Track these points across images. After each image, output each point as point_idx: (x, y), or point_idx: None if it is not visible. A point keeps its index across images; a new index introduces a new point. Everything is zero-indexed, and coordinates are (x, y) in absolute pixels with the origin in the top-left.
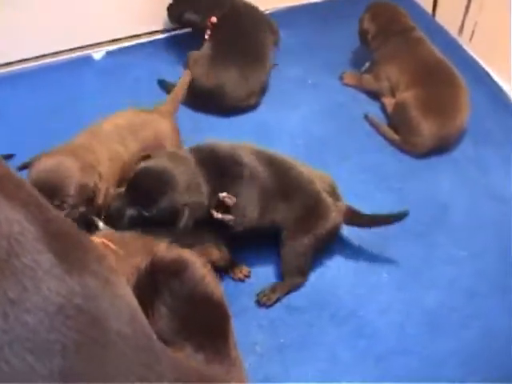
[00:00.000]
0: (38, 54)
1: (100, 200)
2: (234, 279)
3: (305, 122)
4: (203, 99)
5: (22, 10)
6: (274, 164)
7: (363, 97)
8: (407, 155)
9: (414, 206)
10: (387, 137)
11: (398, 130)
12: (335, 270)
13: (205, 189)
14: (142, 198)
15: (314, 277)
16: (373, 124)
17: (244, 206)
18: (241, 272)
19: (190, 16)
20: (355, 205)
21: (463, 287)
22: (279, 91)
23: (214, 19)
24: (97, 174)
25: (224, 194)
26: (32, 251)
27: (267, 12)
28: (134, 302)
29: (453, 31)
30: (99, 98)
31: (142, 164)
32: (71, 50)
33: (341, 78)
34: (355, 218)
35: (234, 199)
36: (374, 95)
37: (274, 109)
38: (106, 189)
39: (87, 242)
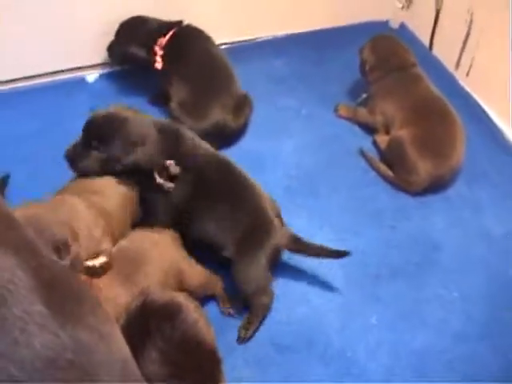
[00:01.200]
0: (30, 75)
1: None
2: (223, 313)
3: (298, 153)
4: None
5: (16, 30)
6: (230, 171)
7: (357, 129)
8: (400, 191)
9: (405, 245)
10: (381, 173)
11: (393, 167)
12: (324, 308)
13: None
14: (98, 137)
15: (302, 315)
16: (367, 159)
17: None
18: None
19: (135, 51)
20: (345, 239)
21: (452, 329)
22: (273, 121)
23: (160, 52)
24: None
25: (171, 161)
26: (24, 302)
27: (261, 40)
28: (126, 350)
29: (449, 66)
30: None
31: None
32: (64, 71)
33: (335, 110)
34: (299, 245)
35: (178, 169)
36: (368, 128)
37: (267, 138)
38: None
39: (82, 289)
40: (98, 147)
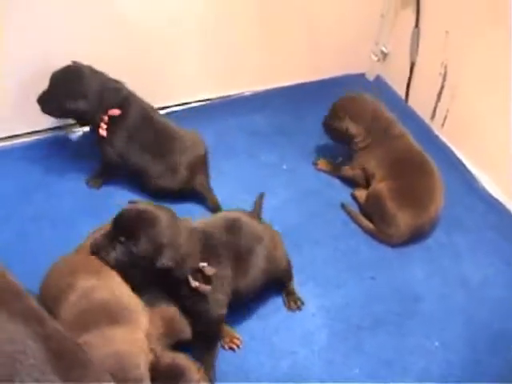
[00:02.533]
0: (12, 134)
1: None
2: (223, 348)
3: (281, 208)
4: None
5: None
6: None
7: (336, 183)
8: (381, 243)
9: (386, 296)
10: (363, 226)
11: (373, 220)
12: (307, 360)
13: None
14: (126, 233)
15: (287, 368)
16: (349, 213)
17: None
18: (231, 341)
19: (74, 105)
20: (328, 292)
21: (434, 377)
22: (255, 177)
23: (116, 111)
24: None
25: (204, 264)
26: (35, 372)
27: (240, 96)
28: None
29: (425, 117)
30: (73, 179)
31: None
32: (48, 129)
33: (314, 164)
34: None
35: (214, 270)
36: (347, 182)
37: (249, 194)
38: None
39: (85, 356)
40: (124, 243)
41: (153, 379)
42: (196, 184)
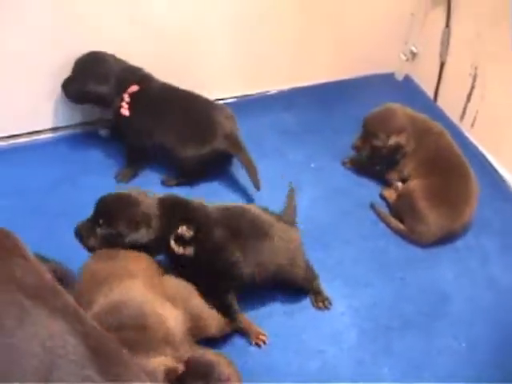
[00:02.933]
0: (44, 128)
1: None
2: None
3: (309, 207)
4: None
5: (34, 84)
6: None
7: (366, 182)
8: (410, 243)
9: (414, 296)
10: (392, 226)
11: (403, 219)
12: (336, 359)
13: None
14: (103, 216)
15: (315, 368)
16: (378, 213)
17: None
18: (258, 337)
19: (95, 88)
20: (357, 292)
21: (461, 378)
22: (283, 174)
23: (134, 87)
24: None
25: (183, 227)
26: (75, 366)
27: (269, 94)
28: None
29: (454, 117)
30: (102, 175)
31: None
32: (77, 124)
33: (343, 163)
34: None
35: (192, 232)
36: (376, 180)
37: (278, 192)
38: None
39: (126, 357)
40: (103, 225)
41: (183, 375)
42: (232, 146)
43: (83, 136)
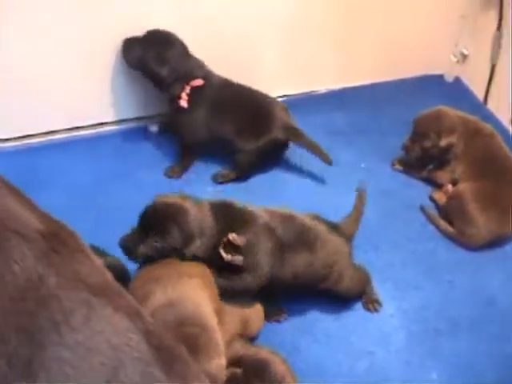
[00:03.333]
0: (94, 122)
1: None
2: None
3: None
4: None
5: (83, 79)
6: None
7: (415, 183)
8: (459, 246)
9: (463, 300)
10: (441, 229)
11: (453, 222)
12: (384, 361)
13: (214, 228)
14: (154, 228)
15: (364, 369)
16: (428, 215)
17: (257, 256)
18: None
19: (155, 66)
20: (406, 295)
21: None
22: (333, 175)
23: (199, 81)
24: None
25: (234, 235)
26: (139, 364)
27: (319, 93)
28: None
29: (504, 120)
30: (153, 170)
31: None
32: (128, 120)
33: (393, 164)
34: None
35: (244, 240)
36: (425, 182)
37: (327, 192)
38: None
39: (186, 356)
40: (155, 237)
41: (237, 373)
42: (292, 135)
43: (134, 131)
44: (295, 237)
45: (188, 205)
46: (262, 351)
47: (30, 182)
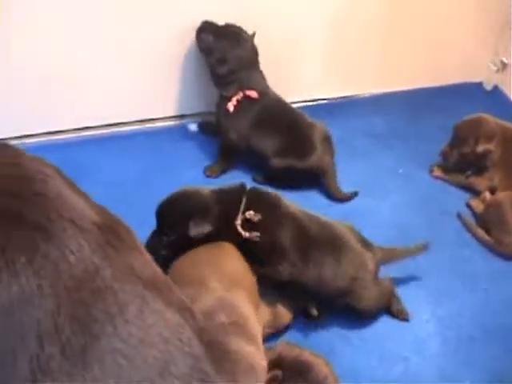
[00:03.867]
0: (135, 119)
1: None
2: None
3: (395, 212)
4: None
5: (122, 76)
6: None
7: (452, 190)
8: (494, 254)
9: (498, 309)
10: (478, 236)
11: (491, 230)
12: (419, 367)
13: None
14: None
15: (399, 374)
16: (465, 222)
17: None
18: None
19: (218, 67)
20: (441, 302)
21: None
22: (371, 179)
23: (254, 93)
24: None
25: (250, 212)
26: (190, 358)
27: (359, 97)
28: None
29: None
30: (191, 168)
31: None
32: (167, 118)
33: (431, 171)
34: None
35: (259, 216)
36: (463, 189)
37: (365, 196)
38: None
39: (236, 352)
40: (167, 232)
41: (277, 375)
42: (324, 166)
43: (174, 129)
44: (322, 236)
45: (187, 189)
46: (304, 353)
47: (69, 176)
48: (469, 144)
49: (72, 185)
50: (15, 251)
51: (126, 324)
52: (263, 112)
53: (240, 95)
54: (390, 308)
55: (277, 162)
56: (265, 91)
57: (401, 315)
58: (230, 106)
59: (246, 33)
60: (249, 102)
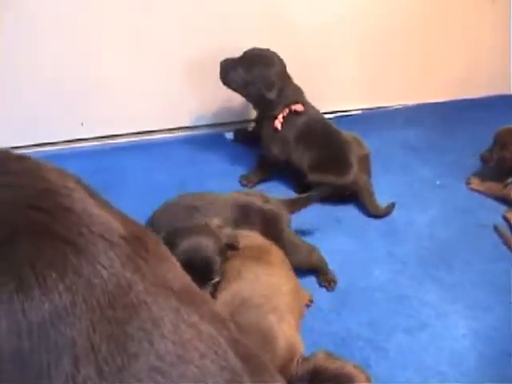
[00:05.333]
0: (170, 127)
1: None
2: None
3: (431, 224)
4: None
5: (161, 85)
6: None
7: (489, 203)
8: None
9: None
10: None
11: None
12: (456, 382)
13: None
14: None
15: None
16: (501, 235)
17: None
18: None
19: (267, 93)
20: (477, 315)
21: None
22: (409, 190)
23: (300, 107)
24: None
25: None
26: (227, 373)
27: (393, 109)
28: None
29: None
30: (226, 177)
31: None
32: (203, 126)
33: (467, 183)
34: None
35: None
36: (500, 202)
37: (401, 208)
38: None
39: (269, 365)
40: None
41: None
42: (361, 183)
43: (209, 137)
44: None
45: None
46: (347, 366)
47: (101, 183)
48: (508, 149)
49: (94, 195)
50: (46, 267)
51: (163, 339)
52: (305, 125)
53: (286, 112)
54: (321, 277)
55: (313, 178)
56: (306, 102)
57: (331, 284)
58: (278, 124)
59: (265, 50)
60: (294, 117)
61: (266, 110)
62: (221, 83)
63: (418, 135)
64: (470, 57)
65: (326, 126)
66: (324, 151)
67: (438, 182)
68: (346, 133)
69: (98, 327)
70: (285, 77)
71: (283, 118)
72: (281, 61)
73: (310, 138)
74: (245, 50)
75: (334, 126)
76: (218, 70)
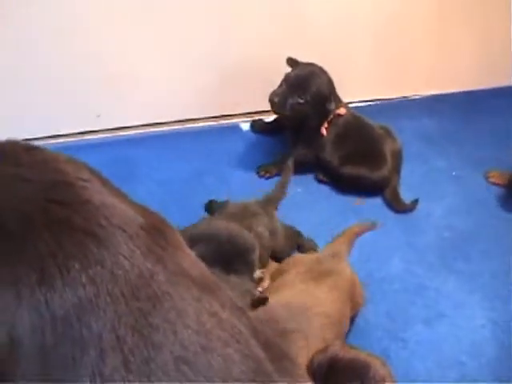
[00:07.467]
0: (187, 118)
1: None
2: None
3: (447, 214)
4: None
5: (179, 75)
6: None
7: (506, 195)
8: None
9: None
10: None
11: None
12: (476, 374)
13: None
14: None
15: (454, 376)
16: None
17: None
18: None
19: (330, 105)
20: (495, 307)
21: None
22: (425, 181)
23: (343, 110)
24: None
25: None
26: (251, 362)
27: (411, 99)
28: None
29: None
30: (243, 168)
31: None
32: (219, 117)
33: (487, 176)
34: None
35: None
36: None
37: (419, 198)
38: None
39: (290, 353)
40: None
41: (337, 375)
42: (392, 179)
43: (226, 128)
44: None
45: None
46: (361, 354)
47: (116, 174)
48: None
49: (109, 186)
50: (68, 258)
51: (186, 329)
52: (344, 125)
53: (331, 117)
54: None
55: (347, 170)
56: (344, 103)
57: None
58: (323, 130)
59: (305, 66)
60: (336, 119)
61: (322, 121)
62: (238, 75)
63: (434, 126)
64: (488, 45)
65: (359, 121)
66: (357, 145)
67: (453, 173)
68: (379, 125)
69: (122, 319)
70: (331, 83)
71: (328, 123)
72: (321, 69)
73: (346, 134)
74: (285, 73)
75: (367, 119)
76: (235, 62)
